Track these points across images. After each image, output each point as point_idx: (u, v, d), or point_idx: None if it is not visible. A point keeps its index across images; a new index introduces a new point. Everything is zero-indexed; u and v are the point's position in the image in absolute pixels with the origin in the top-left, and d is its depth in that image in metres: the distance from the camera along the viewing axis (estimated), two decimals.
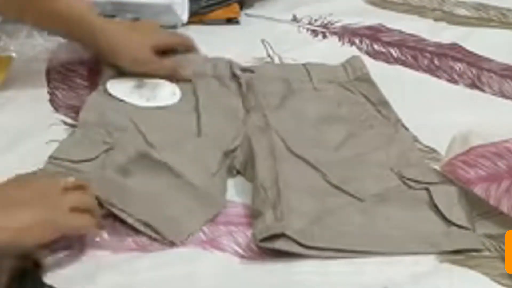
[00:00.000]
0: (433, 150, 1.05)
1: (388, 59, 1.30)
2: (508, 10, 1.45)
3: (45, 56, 1.22)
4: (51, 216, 0.79)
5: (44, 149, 0.99)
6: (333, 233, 0.86)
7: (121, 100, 1.09)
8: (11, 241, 0.76)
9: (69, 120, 1.07)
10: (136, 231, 0.88)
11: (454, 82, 1.24)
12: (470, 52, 1.30)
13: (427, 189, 0.93)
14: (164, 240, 0.87)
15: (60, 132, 1.04)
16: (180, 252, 0.86)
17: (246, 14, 1.42)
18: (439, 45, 1.33)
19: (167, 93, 1.12)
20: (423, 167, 1.00)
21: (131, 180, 0.92)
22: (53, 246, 0.82)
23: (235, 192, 0.96)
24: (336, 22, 1.39)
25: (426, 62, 1.29)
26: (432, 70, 1.27)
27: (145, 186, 0.92)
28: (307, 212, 0.88)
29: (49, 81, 1.17)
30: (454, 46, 1.32)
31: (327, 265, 0.85)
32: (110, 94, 1.10)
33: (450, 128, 1.03)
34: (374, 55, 1.31)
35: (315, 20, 1.40)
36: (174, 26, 1.35)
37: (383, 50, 1.32)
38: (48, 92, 1.14)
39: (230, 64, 1.17)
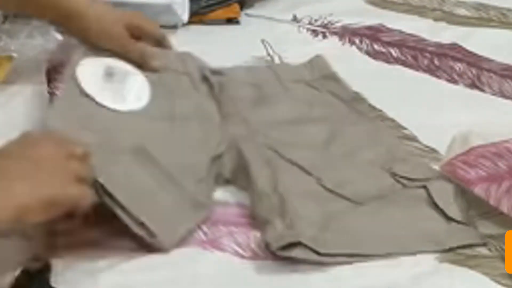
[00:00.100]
0: (433, 150, 1.05)
1: (388, 59, 1.30)
2: (508, 10, 1.45)
3: (45, 56, 1.22)
4: (52, 191, 0.77)
5: None
6: (344, 239, 0.87)
7: (91, 99, 1.03)
8: (11, 220, 0.73)
9: None
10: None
11: (454, 82, 1.24)
12: (470, 52, 1.30)
13: (424, 186, 0.94)
14: (155, 242, 0.85)
15: None
16: (181, 252, 0.86)
17: (246, 14, 1.42)
18: (439, 45, 1.33)
19: (137, 86, 1.07)
20: (412, 162, 1.00)
21: (127, 172, 0.90)
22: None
23: (233, 192, 0.96)
24: (336, 22, 1.39)
25: (426, 62, 1.29)
26: (432, 70, 1.27)
27: (140, 179, 0.89)
28: (314, 219, 0.88)
29: (49, 81, 1.17)
30: (454, 46, 1.32)
31: (329, 266, 0.85)
32: (79, 87, 1.03)
33: (450, 128, 1.03)
34: (374, 55, 1.31)
35: (315, 20, 1.40)
36: (174, 26, 1.35)
37: (383, 50, 1.32)
38: (48, 92, 1.14)
39: (200, 64, 1.14)
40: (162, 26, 1.33)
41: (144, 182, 0.90)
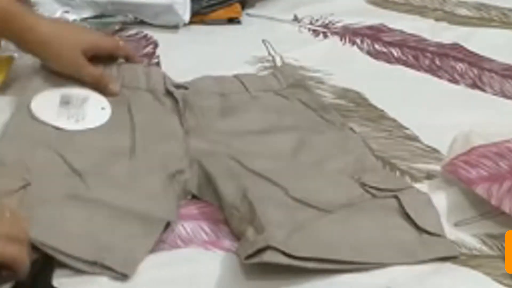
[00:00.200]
0: (435, 150, 1.05)
1: (389, 59, 1.30)
2: (510, 10, 1.45)
3: None
4: None
5: None
6: (314, 243, 0.84)
7: (46, 124, 1.02)
8: None
9: None
10: None
11: (455, 82, 1.25)
12: (471, 52, 1.31)
13: (395, 196, 0.91)
14: (116, 273, 0.82)
15: None
16: (183, 253, 0.86)
17: (248, 14, 1.42)
18: (440, 45, 1.33)
19: (96, 109, 1.06)
20: (381, 172, 0.99)
21: (63, 218, 0.87)
22: None
23: None
24: (337, 22, 1.39)
25: (427, 62, 1.29)
26: (433, 70, 1.27)
27: (80, 223, 0.86)
28: (284, 224, 0.86)
29: None
30: (455, 46, 1.32)
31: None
32: (34, 116, 1.03)
33: (452, 128, 1.03)
34: (376, 55, 1.31)
35: (316, 20, 1.40)
36: (175, 26, 1.35)
37: (384, 50, 1.32)
38: None
39: (164, 78, 1.12)
40: (163, 26, 1.34)
41: (81, 222, 0.87)
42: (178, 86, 1.11)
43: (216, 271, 0.84)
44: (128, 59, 1.16)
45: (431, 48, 1.32)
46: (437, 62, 1.29)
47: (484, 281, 0.84)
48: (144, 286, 0.82)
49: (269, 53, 1.28)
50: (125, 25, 1.35)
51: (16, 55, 1.18)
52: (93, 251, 0.83)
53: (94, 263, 0.82)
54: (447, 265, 0.86)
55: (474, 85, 1.23)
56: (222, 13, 1.39)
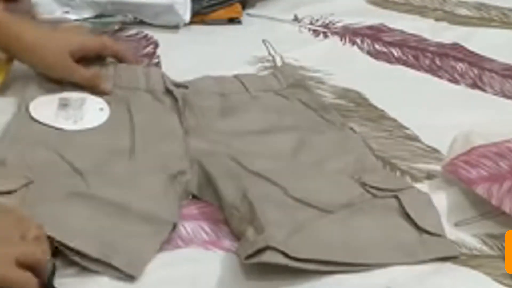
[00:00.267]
0: (435, 150, 1.05)
1: (390, 59, 1.30)
2: (510, 10, 1.45)
3: None
4: None
5: None
6: (314, 244, 0.84)
7: (46, 125, 1.02)
8: None
9: None
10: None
11: (456, 82, 1.25)
12: (472, 52, 1.31)
13: (396, 196, 0.91)
14: (123, 274, 0.82)
15: None
16: (183, 253, 0.86)
17: (248, 14, 1.42)
18: (441, 45, 1.33)
19: (94, 110, 1.06)
20: (381, 172, 0.99)
21: (67, 215, 0.86)
22: None
23: None
24: (338, 22, 1.39)
25: (427, 62, 1.29)
26: (433, 70, 1.27)
27: (84, 220, 0.86)
28: (283, 223, 0.86)
29: None
30: (456, 46, 1.32)
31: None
32: (33, 118, 1.03)
33: (452, 128, 1.03)
34: (376, 55, 1.31)
35: (317, 20, 1.40)
36: (176, 26, 1.35)
37: (385, 50, 1.32)
38: None
39: (164, 78, 1.11)
40: (164, 26, 1.34)
41: (96, 224, 0.86)
42: (178, 86, 1.11)
43: (216, 271, 0.84)
44: (118, 58, 1.15)
45: (431, 48, 1.32)
46: (437, 62, 1.29)
47: (485, 281, 0.84)
48: (145, 286, 0.82)
49: (270, 53, 1.28)
50: (125, 25, 1.35)
51: None
52: (98, 248, 0.83)
53: (100, 262, 0.82)
54: (448, 265, 0.86)
55: (474, 85, 1.24)
56: (223, 13, 1.39)
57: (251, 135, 1.04)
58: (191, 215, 0.93)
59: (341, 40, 1.35)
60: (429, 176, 1.01)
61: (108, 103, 1.08)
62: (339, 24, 1.39)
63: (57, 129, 1.02)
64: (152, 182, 0.94)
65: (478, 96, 1.21)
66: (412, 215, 0.89)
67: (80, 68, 1.10)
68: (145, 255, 0.84)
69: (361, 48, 1.33)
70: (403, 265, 0.85)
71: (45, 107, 1.06)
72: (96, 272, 0.82)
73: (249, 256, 0.82)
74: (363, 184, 0.94)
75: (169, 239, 0.88)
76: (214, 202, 0.94)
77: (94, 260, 0.82)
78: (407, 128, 1.10)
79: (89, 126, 1.04)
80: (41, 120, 1.03)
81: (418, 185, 0.97)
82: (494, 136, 0.98)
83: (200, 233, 0.90)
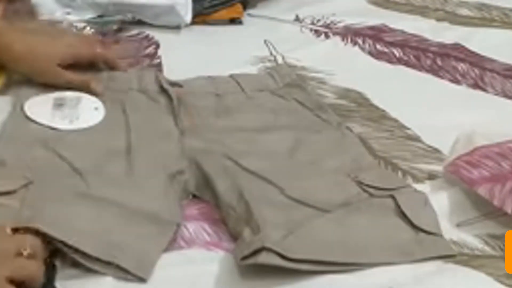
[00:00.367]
0: (436, 150, 1.05)
1: (391, 59, 1.30)
2: (511, 10, 1.45)
3: None
4: None
5: None
6: (310, 244, 0.84)
7: (42, 124, 1.03)
8: None
9: None
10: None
11: (457, 82, 1.25)
12: (473, 52, 1.31)
13: (392, 196, 0.91)
14: (132, 276, 0.81)
15: None
16: (185, 253, 0.86)
17: (249, 14, 1.42)
18: (442, 45, 1.33)
19: (89, 110, 1.06)
20: (378, 171, 0.99)
21: (71, 215, 0.86)
22: None
23: None
24: (339, 22, 1.39)
25: (428, 62, 1.29)
26: (434, 70, 1.27)
27: (89, 220, 0.86)
28: (280, 223, 0.86)
29: None
30: (457, 46, 1.32)
31: None
32: (28, 118, 1.03)
33: (453, 128, 1.03)
34: (377, 55, 1.31)
35: (318, 20, 1.40)
36: (177, 27, 1.35)
37: (386, 50, 1.32)
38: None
39: (158, 77, 1.12)
40: (165, 26, 1.34)
41: (101, 225, 0.86)
42: (173, 84, 1.11)
43: (218, 272, 0.84)
44: (109, 66, 1.16)
45: (432, 48, 1.32)
46: (439, 62, 1.29)
47: (486, 281, 0.84)
48: (148, 287, 0.82)
49: (271, 53, 1.28)
50: (126, 26, 1.34)
51: None
52: (105, 249, 0.82)
53: (108, 263, 0.82)
54: (449, 265, 0.86)
55: (475, 85, 1.24)
56: (224, 13, 1.39)
57: (247, 135, 1.04)
58: (191, 216, 0.93)
59: (342, 40, 1.35)
60: (431, 176, 1.01)
61: (103, 102, 1.08)
62: (340, 24, 1.39)
63: (53, 128, 1.02)
64: (152, 182, 0.94)
65: (479, 96, 1.21)
66: (408, 214, 0.89)
67: (69, 74, 1.10)
68: (152, 256, 0.84)
69: (362, 48, 1.33)
70: (401, 264, 0.85)
71: (40, 107, 1.06)
72: (97, 273, 0.82)
73: (245, 257, 0.82)
74: (360, 183, 0.94)
75: (172, 239, 0.88)
76: (212, 201, 0.94)
77: (98, 261, 0.82)
78: (408, 128, 1.10)
79: (85, 125, 1.04)
80: (37, 119, 1.03)
81: (419, 186, 0.97)
82: (497, 137, 0.98)
83: (202, 234, 0.90)
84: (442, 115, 1.13)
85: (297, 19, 1.41)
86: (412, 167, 1.03)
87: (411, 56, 1.31)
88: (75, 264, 0.83)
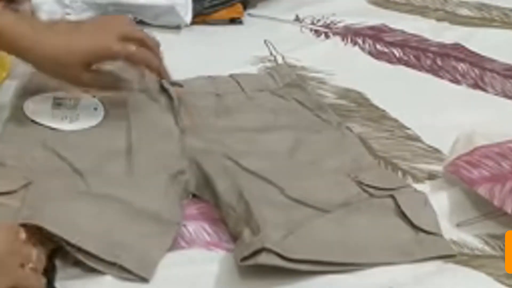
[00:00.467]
0: (437, 150, 1.05)
1: (391, 59, 1.30)
2: (511, 10, 1.45)
3: None
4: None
5: None
6: (310, 244, 0.84)
7: (42, 124, 1.02)
8: None
9: None
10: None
11: (457, 82, 1.25)
12: (473, 52, 1.31)
13: (391, 196, 0.91)
14: (134, 277, 0.82)
15: None
16: (185, 253, 0.87)
17: (249, 14, 1.42)
18: (442, 45, 1.33)
19: (89, 110, 1.06)
20: (378, 171, 0.99)
21: (72, 214, 0.86)
22: None
23: None
24: (339, 22, 1.39)
25: (428, 62, 1.29)
26: (434, 70, 1.27)
27: (90, 219, 0.85)
28: (280, 223, 0.86)
29: None
30: (457, 46, 1.32)
31: None
32: (28, 117, 1.03)
33: (453, 128, 1.03)
34: (377, 55, 1.31)
35: (318, 20, 1.40)
36: (177, 27, 1.35)
37: (386, 50, 1.32)
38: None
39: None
40: (165, 26, 1.34)
41: (105, 224, 0.86)
42: (173, 84, 1.11)
43: (218, 272, 0.84)
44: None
45: (432, 48, 1.32)
46: (439, 62, 1.29)
47: (486, 281, 0.84)
48: (148, 287, 0.82)
49: (271, 53, 1.28)
50: None
51: None
52: (107, 248, 0.82)
53: (111, 263, 0.82)
54: (449, 265, 0.86)
55: (475, 85, 1.24)
56: (224, 13, 1.39)
57: (247, 134, 1.04)
58: (191, 216, 0.93)
59: (342, 40, 1.35)
60: (431, 176, 1.01)
61: (102, 102, 1.08)
62: (340, 24, 1.39)
63: (53, 129, 1.02)
64: (153, 182, 0.94)
65: (479, 96, 1.21)
66: (408, 214, 0.89)
67: (86, 73, 1.03)
68: (155, 256, 0.84)
69: (362, 48, 1.33)
70: (401, 264, 0.85)
71: (40, 106, 1.06)
72: (97, 272, 0.82)
73: (245, 258, 0.82)
74: (360, 183, 0.94)
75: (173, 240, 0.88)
76: (212, 201, 0.94)
77: (101, 261, 0.82)
78: (409, 128, 1.10)
79: (85, 126, 1.04)
80: (37, 119, 1.03)
81: (419, 186, 0.97)
82: (497, 137, 0.98)
83: (202, 234, 0.90)
84: (442, 115, 1.13)
85: (297, 19, 1.41)
86: (412, 167, 1.03)
87: (411, 56, 1.31)
88: (76, 264, 0.83)
